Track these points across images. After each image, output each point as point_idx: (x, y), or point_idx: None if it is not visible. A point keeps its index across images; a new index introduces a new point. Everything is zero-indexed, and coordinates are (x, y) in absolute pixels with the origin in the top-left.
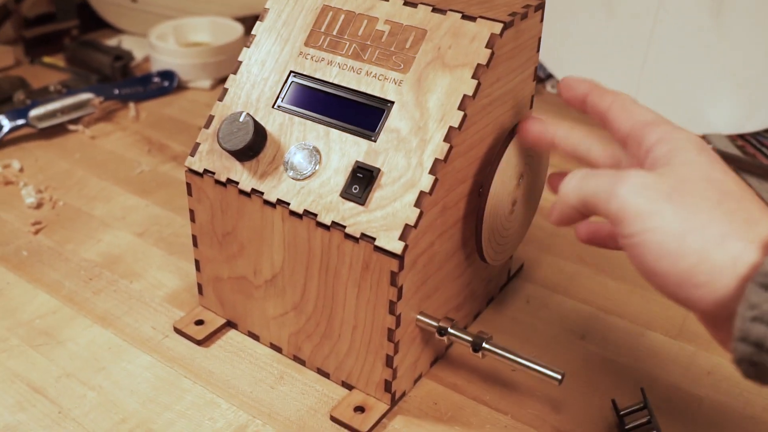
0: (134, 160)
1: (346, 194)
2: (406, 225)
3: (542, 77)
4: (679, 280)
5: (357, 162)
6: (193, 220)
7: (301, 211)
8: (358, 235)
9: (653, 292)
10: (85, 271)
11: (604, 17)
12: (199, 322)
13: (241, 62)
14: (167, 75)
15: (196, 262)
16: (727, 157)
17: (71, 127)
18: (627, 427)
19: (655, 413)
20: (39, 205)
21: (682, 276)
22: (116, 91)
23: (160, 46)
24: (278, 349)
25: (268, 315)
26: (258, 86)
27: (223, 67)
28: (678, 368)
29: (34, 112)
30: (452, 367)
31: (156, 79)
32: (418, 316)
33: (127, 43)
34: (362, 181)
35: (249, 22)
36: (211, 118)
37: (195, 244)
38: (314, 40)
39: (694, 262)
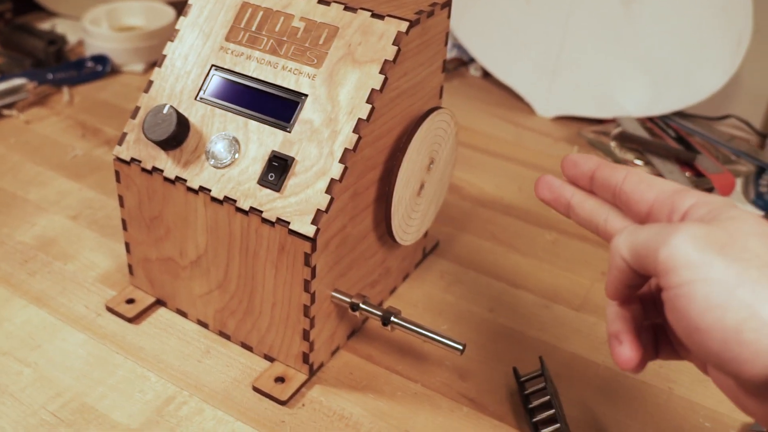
0: (68, 144)
1: (262, 181)
2: (318, 210)
3: (465, 61)
4: (724, 337)
5: (273, 151)
6: (122, 205)
7: (221, 198)
8: (274, 220)
9: (560, 268)
10: (21, 253)
11: (523, 5)
12: (130, 301)
13: (165, 56)
14: (100, 59)
15: (126, 245)
16: (635, 140)
17: (5, 112)
18: (526, 392)
19: (555, 378)
20: None
21: (728, 332)
22: (50, 76)
23: (93, 31)
24: (205, 325)
25: (195, 293)
26: (182, 79)
27: (156, 51)
28: (579, 337)
29: None
30: (367, 339)
31: (89, 64)
32: (333, 293)
33: (60, 26)
34: (278, 169)
35: (181, 6)
36: (137, 109)
37: (124, 227)
38: (234, 35)
39: (742, 316)
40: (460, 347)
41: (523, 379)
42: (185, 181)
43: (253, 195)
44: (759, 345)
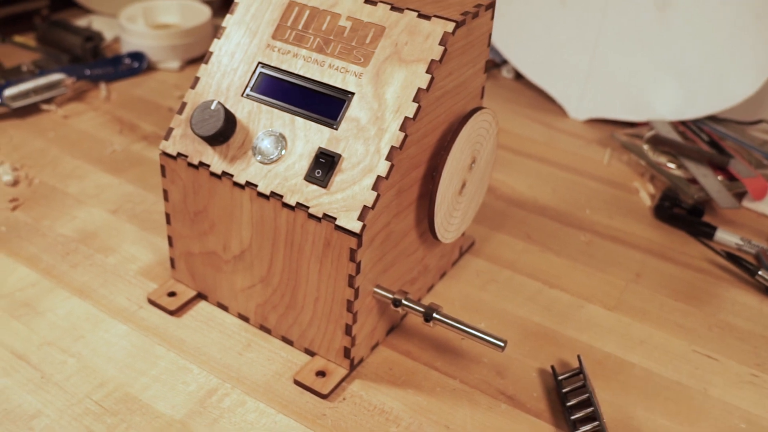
0: (106, 139)
1: (309, 178)
2: (364, 206)
3: (498, 63)
4: None
5: (320, 148)
6: (166, 199)
7: (268, 193)
8: (320, 215)
9: (594, 268)
10: (62, 245)
11: (558, 8)
12: (172, 294)
13: (212, 53)
14: (137, 56)
15: (169, 238)
16: (668, 143)
17: (44, 106)
18: (564, 390)
19: (590, 377)
20: (15, 183)
21: None
22: (87, 72)
23: (130, 28)
24: (245, 319)
25: (237, 287)
26: (228, 76)
27: (192, 49)
28: (614, 337)
29: (8, 92)
30: (406, 335)
31: (126, 61)
32: (375, 289)
33: (96, 23)
34: (324, 165)
35: (216, 5)
36: (183, 104)
37: (168, 221)
38: (281, 33)
39: None
40: (502, 344)
41: (561, 377)
42: (232, 176)
43: (299, 191)
44: None
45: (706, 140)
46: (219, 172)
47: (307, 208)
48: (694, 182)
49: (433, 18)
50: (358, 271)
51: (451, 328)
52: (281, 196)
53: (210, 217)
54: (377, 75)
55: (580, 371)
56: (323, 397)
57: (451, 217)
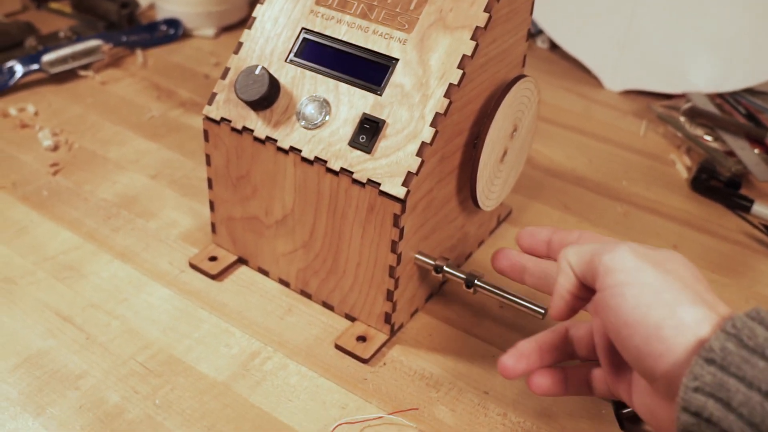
0: (144, 105)
1: (353, 143)
2: (409, 172)
3: (533, 32)
4: (647, 333)
5: (364, 114)
6: (208, 164)
7: (312, 158)
8: (364, 181)
9: (632, 239)
10: (104, 210)
11: None
12: (213, 259)
13: (255, 18)
14: (173, 23)
15: (210, 203)
16: (706, 115)
17: (82, 72)
18: None
19: None
20: (56, 148)
21: (650, 328)
22: (124, 38)
23: None
24: (286, 284)
25: (278, 252)
26: (271, 41)
27: (227, 16)
28: None
29: (46, 58)
30: (446, 302)
31: (162, 27)
32: (417, 255)
33: None
34: (369, 131)
35: None
36: (227, 70)
37: (210, 186)
38: None
39: (664, 314)
40: (542, 311)
41: None
42: (275, 141)
43: (343, 156)
44: (674, 341)
45: (743, 113)
46: (263, 137)
47: (351, 173)
48: (732, 155)
49: None
50: (401, 237)
51: (493, 295)
52: (325, 162)
53: (252, 182)
54: (422, 41)
55: None
56: (364, 361)
57: (492, 185)
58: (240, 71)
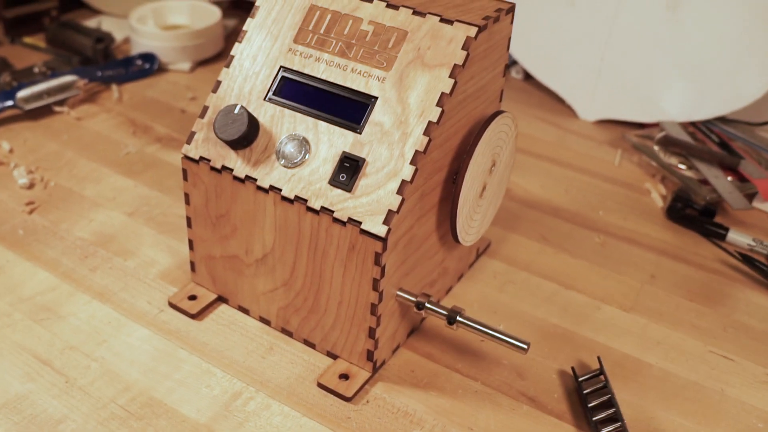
0: (120, 141)
1: (334, 182)
2: (389, 210)
3: (507, 63)
4: None
5: (344, 152)
6: (187, 203)
7: (292, 197)
8: (345, 219)
9: (609, 269)
10: (81, 249)
11: (567, 8)
12: (192, 297)
13: (233, 56)
14: (148, 58)
15: (190, 242)
16: (679, 144)
17: (57, 108)
18: (585, 391)
19: (610, 378)
20: (31, 186)
21: None
22: (99, 74)
23: (140, 29)
24: (267, 322)
25: (258, 291)
26: (250, 80)
27: (202, 50)
28: (631, 338)
29: (21, 94)
30: (427, 337)
31: (138, 62)
32: (398, 292)
33: (106, 24)
34: (349, 170)
35: (225, 5)
36: (205, 108)
37: (189, 225)
38: (303, 37)
39: None
40: (525, 346)
41: (581, 378)
42: (255, 180)
43: (324, 195)
44: None
45: (716, 141)
46: (242, 176)
47: (332, 212)
48: (706, 183)
49: (455, 22)
50: (382, 275)
51: (475, 331)
52: (305, 200)
53: (232, 221)
54: (400, 79)
55: (600, 372)
56: (347, 399)
57: (472, 220)
58: (219, 110)
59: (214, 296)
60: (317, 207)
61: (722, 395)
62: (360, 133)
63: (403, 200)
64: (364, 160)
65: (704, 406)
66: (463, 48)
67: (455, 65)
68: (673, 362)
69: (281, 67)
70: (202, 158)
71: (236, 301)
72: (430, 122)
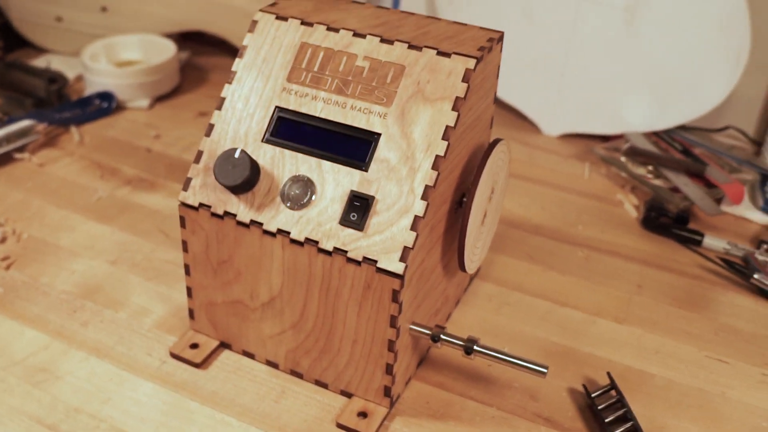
0: (88, 186)
1: (345, 221)
2: (405, 247)
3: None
4: None
5: (352, 191)
6: (185, 250)
7: (302, 239)
8: (360, 259)
9: (597, 283)
10: (67, 303)
11: (525, 25)
12: (194, 346)
13: (224, 98)
14: (106, 96)
15: (188, 289)
16: (646, 154)
17: (17, 155)
18: (600, 407)
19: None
20: (3, 239)
21: None
22: (57, 116)
23: (95, 67)
24: (275, 365)
25: (265, 334)
26: (244, 121)
27: (160, 85)
28: (629, 349)
29: None
30: (435, 367)
31: (96, 101)
32: (411, 326)
33: (55, 63)
34: (359, 208)
35: (176, 38)
36: (200, 153)
37: (187, 272)
38: (296, 76)
39: None
40: (545, 370)
41: (594, 394)
42: (261, 224)
43: (335, 235)
44: None
45: (679, 149)
46: (247, 221)
47: (345, 252)
48: (676, 191)
49: (453, 55)
50: (400, 311)
51: (492, 359)
52: (317, 242)
53: (236, 266)
54: (402, 114)
55: (611, 387)
56: None
57: (475, 248)
58: (217, 155)
59: (216, 343)
60: (329, 248)
61: (724, 398)
62: (366, 170)
63: (417, 236)
64: (373, 198)
65: (709, 410)
66: (463, 80)
67: (457, 98)
68: (673, 370)
69: (277, 107)
70: (201, 205)
71: (240, 346)
72: (437, 156)
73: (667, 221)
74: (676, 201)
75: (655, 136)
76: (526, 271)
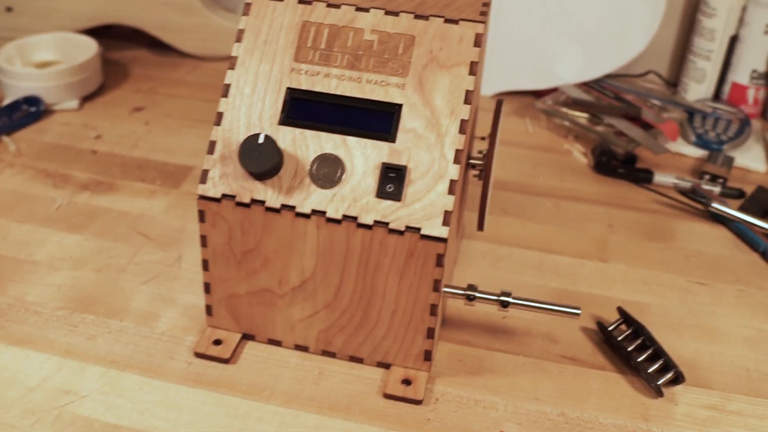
0: (44, 195)
1: (381, 194)
2: (446, 211)
3: None
4: None
5: (384, 163)
6: (204, 245)
7: (339, 217)
8: (402, 229)
9: (573, 228)
10: (64, 319)
11: None
12: (218, 342)
13: (228, 84)
14: (33, 101)
15: (206, 285)
16: (585, 104)
17: None
18: (618, 339)
19: (629, 322)
20: None
21: None
22: None
23: (15, 71)
24: (304, 349)
25: (294, 319)
26: (256, 106)
27: (88, 84)
28: (620, 285)
29: None
30: (454, 326)
31: (23, 107)
32: (445, 289)
33: None
34: (395, 179)
35: (95, 34)
36: (212, 143)
37: (206, 267)
38: (304, 55)
39: None
40: (578, 311)
41: (610, 328)
42: (293, 207)
43: (374, 209)
44: None
45: (611, 96)
46: (277, 206)
47: (387, 224)
48: (620, 135)
49: (460, 22)
50: (442, 275)
51: (528, 309)
52: (355, 218)
53: (263, 254)
54: (420, 83)
55: (623, 321)
56: (418, 403)
57: (485, 207)
58: (233, 144)
59: (238, 336)
60: (369, 222)
61: (714, 315)
62: (393, 141)
63: (455, 199)
64: (406, 167)
65: (705, 328)
66: (475, 45)
67: (472, 62)
68: (664, 297)
69: (288, 88)
70: (225, 195)
71: (265, 335)
72: (462, 120)
73: (617, 164)
74: (623, 144)
75: (586, 86)
76: (507, 225)
